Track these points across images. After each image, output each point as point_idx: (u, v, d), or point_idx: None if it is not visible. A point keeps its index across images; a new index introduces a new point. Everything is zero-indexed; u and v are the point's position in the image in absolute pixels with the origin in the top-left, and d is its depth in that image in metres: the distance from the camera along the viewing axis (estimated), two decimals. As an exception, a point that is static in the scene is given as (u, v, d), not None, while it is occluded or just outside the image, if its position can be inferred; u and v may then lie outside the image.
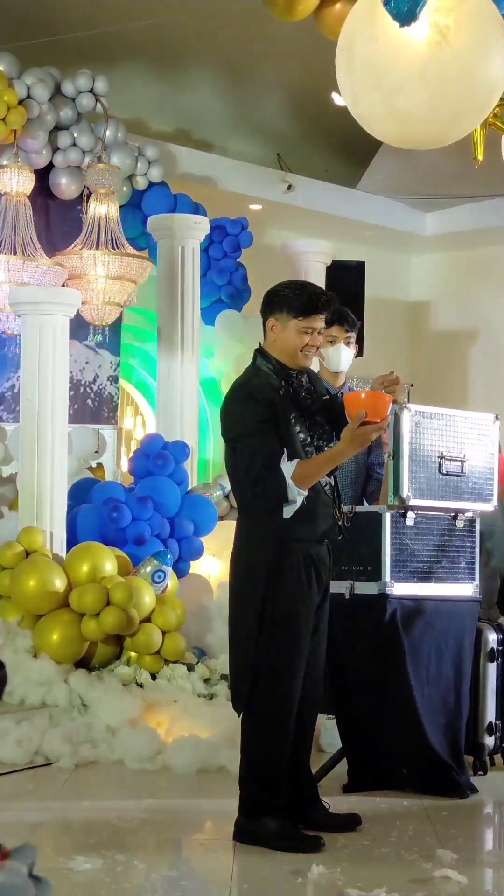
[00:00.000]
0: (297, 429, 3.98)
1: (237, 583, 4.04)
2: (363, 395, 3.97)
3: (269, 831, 3.93)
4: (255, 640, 3.94)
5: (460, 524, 4.87)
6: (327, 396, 4.20)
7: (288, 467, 3.86)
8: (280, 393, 3.98)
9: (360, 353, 10.23)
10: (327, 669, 4.78)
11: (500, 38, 3.98)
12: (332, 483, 4.10)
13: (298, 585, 3.97)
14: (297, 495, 3.87)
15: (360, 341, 10.23)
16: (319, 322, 4.03)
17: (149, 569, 6.07)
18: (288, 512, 3.89)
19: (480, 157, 5.12)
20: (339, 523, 4.09)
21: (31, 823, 4.16)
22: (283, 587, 3.95)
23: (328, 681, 4.85)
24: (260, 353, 4.11)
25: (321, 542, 4.05)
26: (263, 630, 3.94)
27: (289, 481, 3.84)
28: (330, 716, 5.26)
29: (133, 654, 5.78)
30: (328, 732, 5.29)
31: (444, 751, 4.68)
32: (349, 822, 4.15)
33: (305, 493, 3.89)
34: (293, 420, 3.98)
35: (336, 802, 4.51)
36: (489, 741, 4.96)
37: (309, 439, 4.01)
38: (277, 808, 3.98)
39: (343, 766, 4.80)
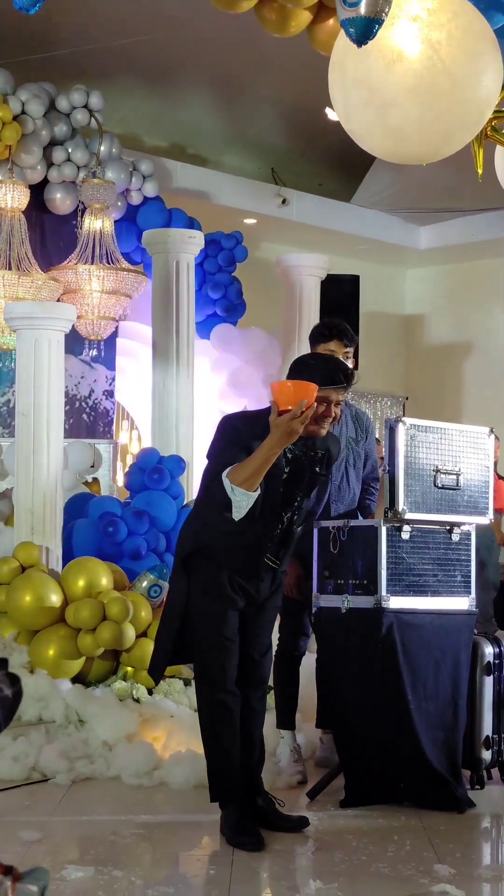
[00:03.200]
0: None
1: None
2: (288, 384, 4.03)
3: (229, 823, 4.18)
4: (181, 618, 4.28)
5: (456, 537, 4.87)
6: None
7: (226, 470, 4.05)
8: (257, 431, 4.06)
9: (355, 366, 10.29)
10: (323, 683, 4.79)
11: (492, 54, 4.00)
12: (276, 529, 4.23)
13: (211, 583, 4.21)
14: (237, 492, 4.00)
15: (355, 355, 10.28)
16: (336, 395, 4.17)
17: (145, 583, 6.06)
18: (235, 511, 4.04)
19: (480, 172, 5.14)
20: (272, 565, 4.28)
21: (27, 840, 4.14)
22: (197, 579, 4.23)
23: (324, 695, 4.86)
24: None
25: (247, 562, 4.23)
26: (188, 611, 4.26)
27: (224, 479, 4.01)
28: (326, 731, 5.26)
29: (129, 669, 5.77)
30: (325, 748, 5.28)
31: (441, 765, 4.67)
32: (298, 824, 4.30)
33: (252, 494, 4.02)
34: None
35: (333, 817, 4.51)
36: (486, 755, 4.95)
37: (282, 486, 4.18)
38: (231, 798, 4.21)
39: (340, 780, 4.79)
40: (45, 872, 1.97)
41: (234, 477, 4.02)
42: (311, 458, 4.26)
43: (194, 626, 4.28)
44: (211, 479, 4.16)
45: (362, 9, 3.47)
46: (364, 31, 3.49)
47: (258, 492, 4.03)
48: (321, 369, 4.20)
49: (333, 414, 4.18)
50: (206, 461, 4.25)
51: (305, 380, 4.04)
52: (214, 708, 4.23)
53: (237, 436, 4.10)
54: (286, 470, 4.20)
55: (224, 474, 4.03)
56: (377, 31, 3.52)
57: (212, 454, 4.19)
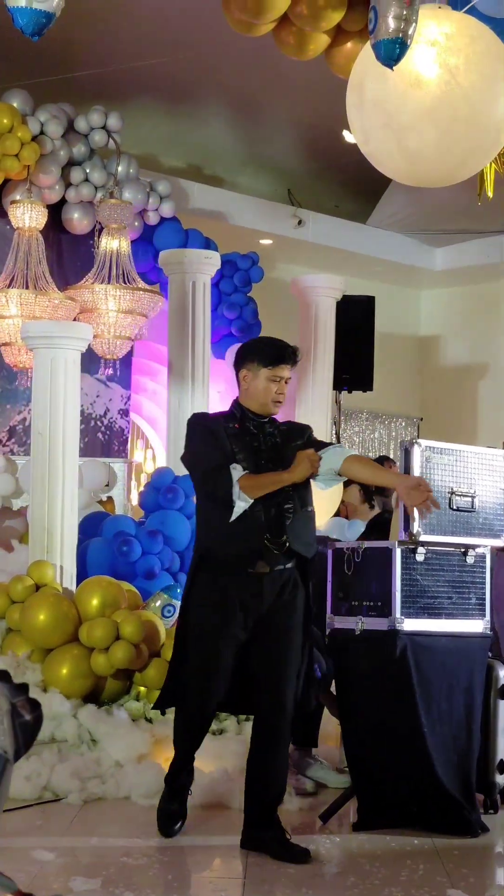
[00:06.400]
0: (240, 460, 4.25)
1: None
2: None
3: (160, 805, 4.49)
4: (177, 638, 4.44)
5: (471, 560, 4.86)
6: (299, 443, 4.39)
7: (236, 472, 4.21)
8: (229, 429, 4.31)
9: (370, 387, 10.29)
10: (337, 705, 4.77)
11: (510, 78, 4.02)
12: (271, 509, 4.25)
13: (209, 597, 4.28)
14: (241, 499, 4.18)
15: (369, 376, 10.29)
16: (286, 372, 4.36)
17: (158, 603, 6.06)
18: (235, 514, 4.19)
19: (491, 194, 5.15)
20: (273, 552, 4.27)
21: (40, 860, 4.13)
22: (194, 596, 4.34)
23: (338, 717, 4.84)
24: (234, 402, 4.45)
25: (242, 567, 4.27)
26: (183, 632, 4.40)
27: (235, 482, 4.18)
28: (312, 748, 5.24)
29: (142, 688, 5.76)
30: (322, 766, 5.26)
31: (454, 789, 4.65)
32: (300, 855, 4.23)
33: (249, 502, 4.20)
34: (236, 450, 4.27)
35: (346, 841, 4.49)
36: (500, 779, 4.92)
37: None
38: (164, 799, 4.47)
39: (353, 803, 4.77)
40: None
41: (244, 484, 4.20)
42: (284, 434, 4.39)
43: (185, 639, 4.35)
44: (199, 480, 4.34)
45: (382, 33, 3.50)
46: (388, 52, 3.53)
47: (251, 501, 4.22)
48: (268, 349, 4.38)
49: (284, 391, 4.38)
50: (181, 463, 4.43)
51: (256, 361, 4.33)
52: (182, 719, 4.45)
53: (210, 436, 4.31)
54: (263, 449, 4.33)
55: (236, 479, 4.19)
56: (402, 51, 3.55)
57: (191, 456, 4.35)
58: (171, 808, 4.49)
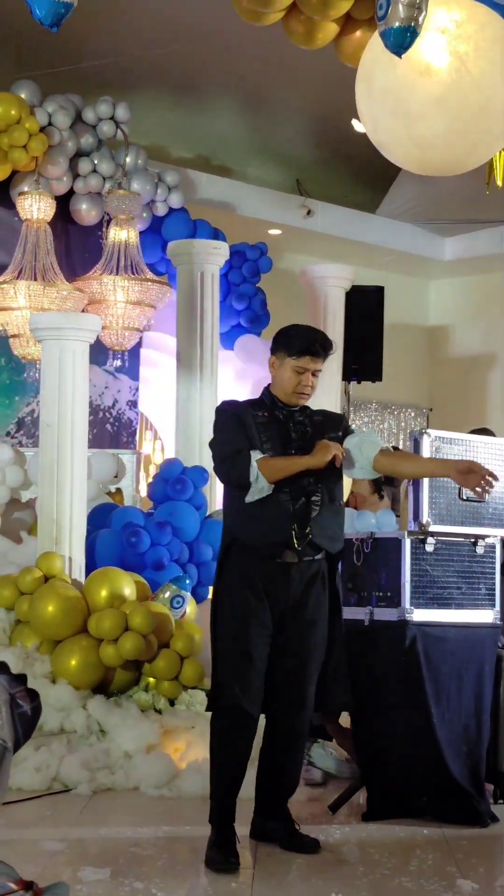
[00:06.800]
0: (268, 448, 4.17)
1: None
2: None
3: (210, 838, 4.11)
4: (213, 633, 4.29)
5: (480, 550, 4.85)
6: (332, 436, 4.28)
7: (256, 453, 4.14)
8: (258, 417, 4.23)
9: (379, 378, 10.26)
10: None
11: (520, 66, 3.99)
12: (299, 500, 4.17)
13: (238, 585, 4.18)
14: (261, 480, 4.10)
15: (379, 366, 10.27)
16: (313, 364, 4.25)
17: (168, 594, 6.06)
18: (251, 495, 4.12)
19: (501, 183, 5.13)
20: (296, 545, 4.17)
21: (49, 851, 4.14)
22: (223, 585, 4.23)
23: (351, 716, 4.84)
24: (265, 389, 4.37)
25: (270, 555, 4.17)
26: (214, 623, 4.27)
27: (253, 463, 4.09)
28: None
29: (151, 679, 5.76)
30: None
31: (464, 779, 4.65)
32: (309, 845, 4.20)
33: (270, 487, 4.11)
34: (263, 440, 4.19)
35: (355, 831, 4.49)
36: (510, 769, 4.92)
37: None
38: (214, 817, 4.15)
39: (362, 793, 4.77)
40: (65, 887, 1.96)
41: (263, 465, 4.11)
42: (317, 425, 4.30)
43: (216, 632, 4.24)
44: (218, 464, 4.25)
45: (393, 20, 3.47)
46: (398, 40, 3.50)
47: (272, 488, 4.13)
48: (297, 339, 4.28)
49: (311, 383, 4.26)
50: (210, 451, 4.34)
51: (283, 350, 4.25)
52: (221, 721, 4.19)
53: (235, 422, 4.23)
54: (292, 438, 4.25)
55: (255, 459, 4.11)
56: (412, 40, 3.53)
57: (216, 442, 4.27)
58: (226, 860, 4.04)
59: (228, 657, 4.17)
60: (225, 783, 4.17)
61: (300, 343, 4.25)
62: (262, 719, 4.31)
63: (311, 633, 4.24)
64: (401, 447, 7.27)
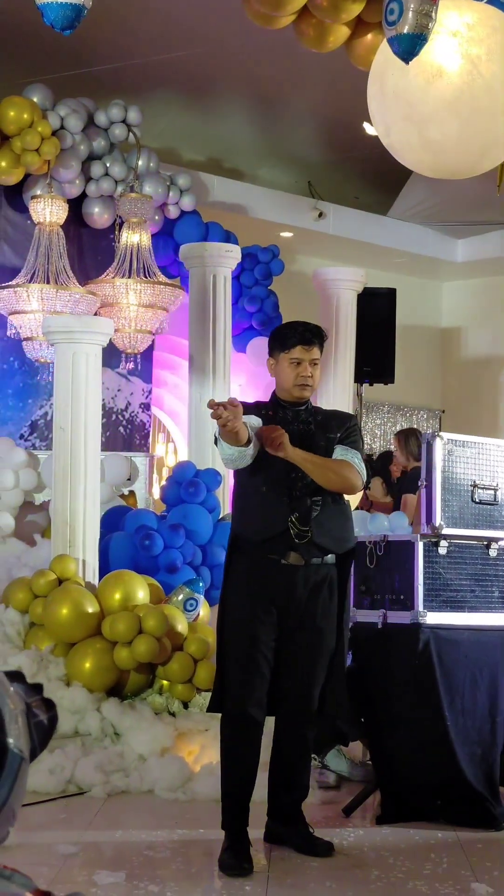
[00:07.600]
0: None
1: None
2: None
3: (224, 843, 4.09)
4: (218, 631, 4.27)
5: (493, 553, 4.84)
6: (331, 436, 4.25)
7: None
8: (264, 416, 4.22)
9: (391, 380, 10.26)
10: (360, 699, 4.76)
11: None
12: (295, 496, 4.14)
13: (244, 589, 4.17)
14: (221, 444, 4.06)
15: (391, 368, 10.26)
16: (307, 353, 4.24)
17: (181, 597, 6.06)
18: (226, 463, 4.12)
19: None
20: (296, 541, 4.12)
21: (64, 854, 4.15)
22: (229, 590, 4.24)
23: (361, 711, 4.83)
24: (272, 393, 4.39)
25: (270, 553, 4.13)
26: (221, 627, 4.25)
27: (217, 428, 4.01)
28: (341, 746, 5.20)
29: (165, 682, 5.77)
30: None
31: (478, 782, 4.64)
32: (323, 849, 4.18)
33: (237, 447, 4.01)
34: None
35: (369, 834, 4.48)
36: (524, 772, 4.91)
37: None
38: (227, 822, 4.12)
39: (376, 796, 4.77)
40: None
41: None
42: (320, 424, 4.27)
43: (222, 633, 4.23)
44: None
45: (404, 26, 3.47)
46: (408, 47, 3.50)
47: (246, 448, 4.03)
48: (286, 331, 4.33)
49: (310, 373, 4.25)
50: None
51: (276, 347, 4.30)
52: (226, 727, 4.17)
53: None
54: (293, 436, 4.18)
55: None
56: (422, 46, 3.53)
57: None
58: (239, 864, 4.02)
59: (233, 662, 4.16)
60: (235, 789, 4.17)
61: (289, 335, 4.29)
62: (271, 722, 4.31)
63: (318, 641, 4.22)
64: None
